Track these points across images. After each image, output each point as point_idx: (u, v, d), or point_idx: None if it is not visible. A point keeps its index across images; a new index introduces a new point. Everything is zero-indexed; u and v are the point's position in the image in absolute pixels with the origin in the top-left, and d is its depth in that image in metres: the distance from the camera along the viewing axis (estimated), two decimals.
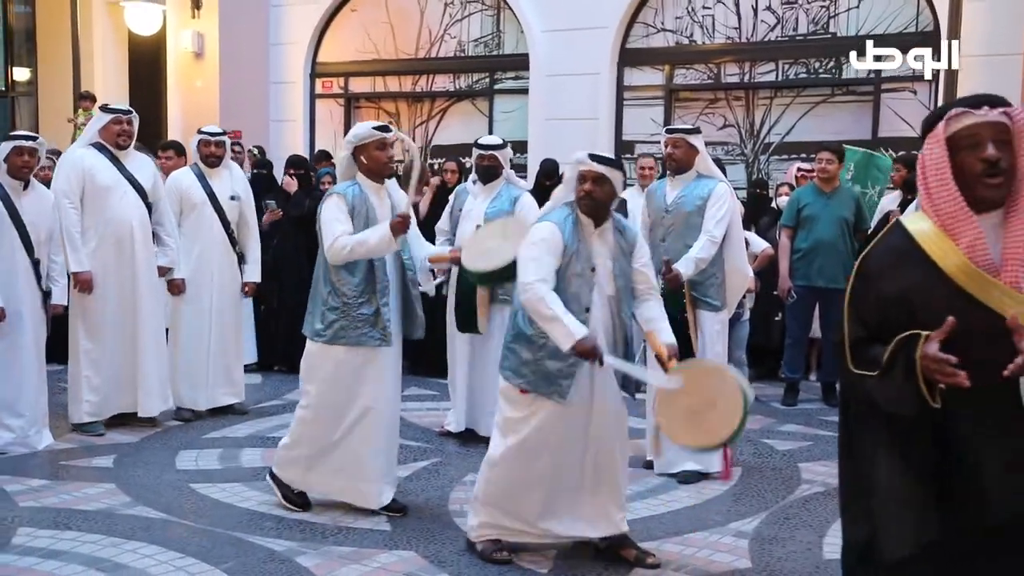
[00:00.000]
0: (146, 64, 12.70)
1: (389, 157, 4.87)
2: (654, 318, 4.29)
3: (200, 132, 6.94)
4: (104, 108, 6.56)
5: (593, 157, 4.15)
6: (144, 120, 7.02)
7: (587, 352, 3.92)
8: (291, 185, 8.47)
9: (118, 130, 6.30)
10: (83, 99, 11.70)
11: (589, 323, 4.08)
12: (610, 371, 4.19)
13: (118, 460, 5.79)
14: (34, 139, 5.92)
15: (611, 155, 4.47)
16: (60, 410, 6.42)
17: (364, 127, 4.90)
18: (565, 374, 4.10)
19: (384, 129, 4.86)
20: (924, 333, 2.30)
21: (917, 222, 2.47)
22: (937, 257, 2.38)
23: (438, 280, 6.25)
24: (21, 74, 13.86)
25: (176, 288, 6.70)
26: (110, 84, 12.49)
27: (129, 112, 6.45)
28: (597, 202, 4.15)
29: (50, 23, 12.75)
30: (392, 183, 5.00)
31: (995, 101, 2.45)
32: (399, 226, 4.62)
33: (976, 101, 2.47)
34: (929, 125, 2.50)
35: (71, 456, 5.88)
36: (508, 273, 4.39)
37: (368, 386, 4.80)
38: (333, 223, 4.68)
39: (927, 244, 2.40)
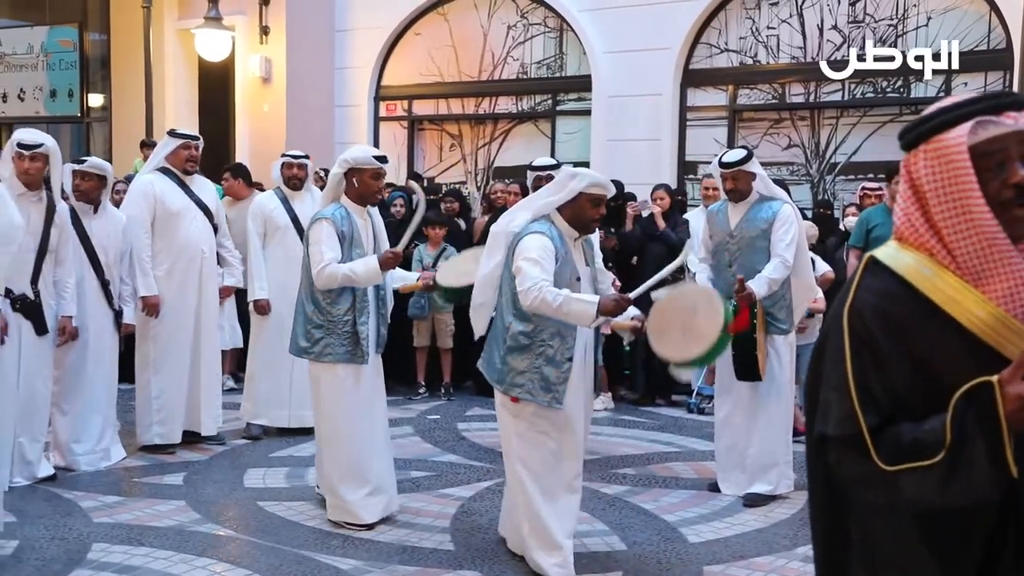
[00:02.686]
0: (215, 89, 12.97)
1: (379, 188, 5.02)
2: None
3: (283, 156, 7.08)
4: (173, 133, 6.64)
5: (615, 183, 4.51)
6: (212, 144, 7.14)
7: (612, 308, 4.02)
8: None
9: (187, 155, 6.41)
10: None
11: (578, 329, 4.25)
12: (590, 375, 4.44)
13: (188, 478, 5.90)
14: (83, 162, 5.98)
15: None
16: (131, 427, 6.54)
17: (365, 152, 5.05)
18: (561, 380, 4.22)
19: (383, 160, 5.02)
20: (993, 378, 1.63)
21: (900, 257, 1.85)
22: (949, 305, 1.75)
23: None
24: (95, 100, 14.19)
25: (261, 309, 6.82)
26: (181, 109, 12.75)
27: (197, 138, 6.59)
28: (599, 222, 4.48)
29: (124, 50, 13.06)
30: (374, 208, 5.13)
31: (1020, 102, 1.77)
32: (389, 263, 4.79)
33: (995, 104, 1.76)
34: (926, 133, 1.80)
35: (143, 473, 6.00)
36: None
37: (356, 401, 4.97)
38: (324, 248, 4.80)
39: (928, 287, 1.77)
